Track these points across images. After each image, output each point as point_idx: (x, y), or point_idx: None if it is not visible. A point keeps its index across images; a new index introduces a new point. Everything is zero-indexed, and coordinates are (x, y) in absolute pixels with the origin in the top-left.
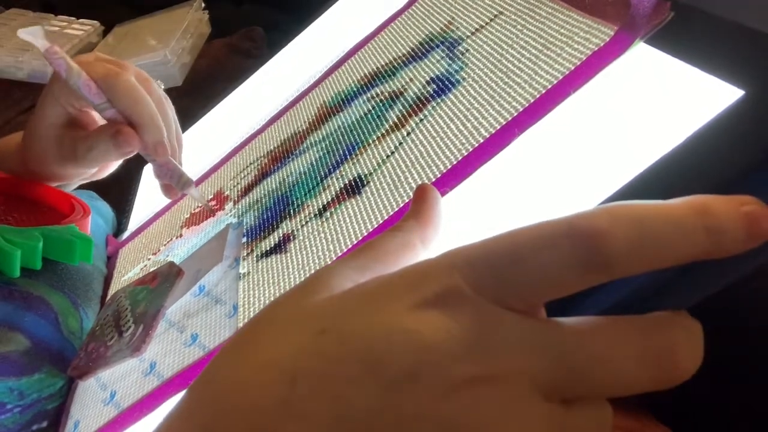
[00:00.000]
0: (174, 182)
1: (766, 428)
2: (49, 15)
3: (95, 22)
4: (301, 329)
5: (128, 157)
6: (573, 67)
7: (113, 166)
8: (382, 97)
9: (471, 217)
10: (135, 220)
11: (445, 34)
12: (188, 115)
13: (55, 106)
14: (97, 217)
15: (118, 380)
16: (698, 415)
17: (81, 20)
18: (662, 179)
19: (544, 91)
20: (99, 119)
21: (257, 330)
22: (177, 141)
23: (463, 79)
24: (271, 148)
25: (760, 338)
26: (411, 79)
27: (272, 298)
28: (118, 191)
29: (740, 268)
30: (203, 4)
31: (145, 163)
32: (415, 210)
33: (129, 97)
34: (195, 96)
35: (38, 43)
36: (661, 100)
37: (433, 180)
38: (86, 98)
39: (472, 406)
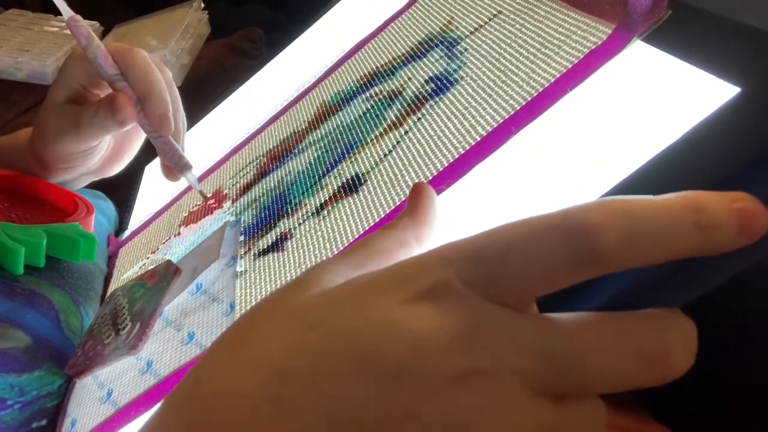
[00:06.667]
0: (173, 164)
1: (767, 428)
2: (49, 15)
3: (95, 22)
4: (291, 325)
5: (125, 128)
6: (570, 66)
7: (120, 161)
8: (381, 96)
9: (467, 215)
10: (136, 219)
11: (444, 34)
12: (187, 116)
13: (64, 80)
14: (99, 216)
15: (114, 379)
16: (698, 414)
17: None
18: (658, 177)
19: (541, 90)
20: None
21: (247, 327)
22: (182, 124)
23: (461, 78)
24: (271, 147)
25: (761, 336)
26: (410, 78)
27: None
28: (123, 190)
29: (734, 265)
30: (203, 4)
31: (148, 161)
32: (410, 208)
33: (141, 69)
34: (194, 96)
35: (63, 8)
36: (658, 98)
37: (430, 178)
38: (101, 69)
39: (461, 402)
